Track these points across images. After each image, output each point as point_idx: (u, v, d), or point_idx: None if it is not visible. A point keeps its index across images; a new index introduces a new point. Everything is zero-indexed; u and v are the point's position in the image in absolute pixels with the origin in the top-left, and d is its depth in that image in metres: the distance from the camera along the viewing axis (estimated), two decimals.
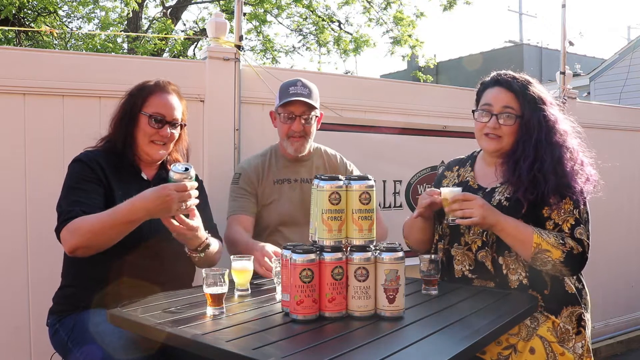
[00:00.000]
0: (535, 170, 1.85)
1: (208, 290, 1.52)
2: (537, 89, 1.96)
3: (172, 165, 1.78)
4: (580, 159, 1.92)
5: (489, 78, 2.02)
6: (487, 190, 1.99)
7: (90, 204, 1.80)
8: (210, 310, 1.52)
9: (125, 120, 1.98)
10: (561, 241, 1.78)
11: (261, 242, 2.08)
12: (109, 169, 1.92)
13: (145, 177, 2.01)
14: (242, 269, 1.78)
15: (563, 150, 1.89)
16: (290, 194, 2.39)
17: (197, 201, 1.80)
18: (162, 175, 2.04)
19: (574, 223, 1.83)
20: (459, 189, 1.86)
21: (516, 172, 1.88)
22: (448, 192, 1.86)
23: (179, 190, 1.71)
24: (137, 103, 1.98)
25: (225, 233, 2.31)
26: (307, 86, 2.34)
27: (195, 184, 1.78)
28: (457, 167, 2.18)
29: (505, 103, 1.93)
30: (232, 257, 1.81)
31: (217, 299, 1.52)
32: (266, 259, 1.96)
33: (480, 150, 2.13)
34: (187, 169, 1.77)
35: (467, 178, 2.09)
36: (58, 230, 1.79)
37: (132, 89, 2.02)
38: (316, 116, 2.38)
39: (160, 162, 2.07)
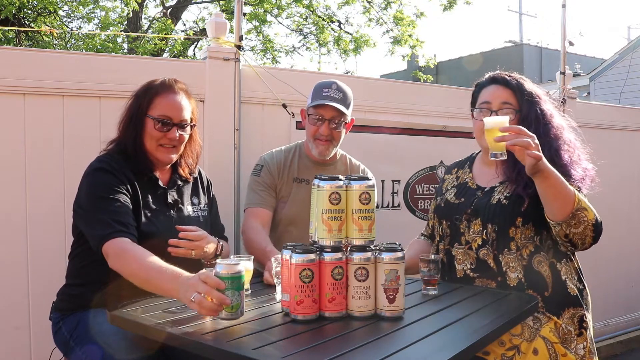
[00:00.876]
0: None
1: None
2: (531, 86, 1.99)
3: (219, 261, 1.49)
4: (578, 153, 1.92)
5: (484, 78, 2.05)
6: (486, 189, 1.99)
7: (131, 222, 1.75)
8: None
9: (133, 123, 1.90)
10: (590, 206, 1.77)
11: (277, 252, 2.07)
12: (132, 176, 1.86)
13: (161, 184, 1.95)
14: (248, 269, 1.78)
15: (560, 142, 1.89)
16: (305, 195, 2.36)
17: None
18: (175, 180, 2.00)
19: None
20: (506, 117, 1.70)
21: (516, 167, 1.87)
22: (494, 120, 1.68)
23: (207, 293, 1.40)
24: (142, 105, 1.89)
25: (243, 226, 2.32)
26: (342, 90, 2.29)
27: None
28: (455, 170, 2.19)
29: (503, 99, 1.95)
30: (231, 257, 1.81)
31: None
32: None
33: (480, 151, 2.13)
34: (234, 265, 1.47)
35: (466, 179, 2.09)
36: (102, 240, 1.69)
37: (138, 90, 1.95)
38: (345, 122, 2.33)
39: (171, 165, 2.00)
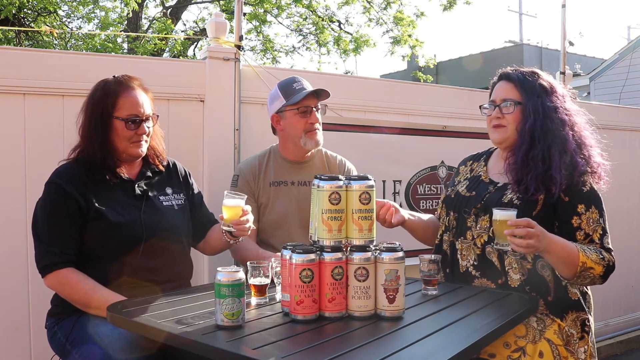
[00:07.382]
0: (529, 159, 1.87)
1: (253, 282, 1.64)
2: (544, 79, 1.98)
3: (219, 269, 1.46)
4: (584, 151, 1.91)
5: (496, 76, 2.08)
6: (499, 185, 1.98)
7: (69, 251, 1.84)
8: (254, 300, 1.63)
9: (98, 127, 1.90)
10: (600, 256, 1.78)
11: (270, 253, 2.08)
12: (89, 182, 1.87)
13: (127, 177, 1.97)
14: (234, 205, 1.86)
15: (556, 139, 1.88)
16: (285, 197, 2.36)
17: None
18: (144, 172, 2.02)
19: (602, 232, 1.84)
20: (514, 211, 1.73)
21: (513, 163, 1.91)
22: (503, 215, 1.71)
23: None
24: (106, 109, 1.89)
25: None
26: (303, 79, 2.38)
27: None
28: (470, 162, 2.19)
29: (505, 93, 1.98)
30: (225, 192, 1.85)
31: (262, 290, 1.65)
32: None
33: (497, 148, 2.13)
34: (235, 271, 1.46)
35: (480, 172, 2.09)
36: (44, 270, 1.83)
37: (95, 94, 1.93)
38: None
39: (142, 158, 2.03)
